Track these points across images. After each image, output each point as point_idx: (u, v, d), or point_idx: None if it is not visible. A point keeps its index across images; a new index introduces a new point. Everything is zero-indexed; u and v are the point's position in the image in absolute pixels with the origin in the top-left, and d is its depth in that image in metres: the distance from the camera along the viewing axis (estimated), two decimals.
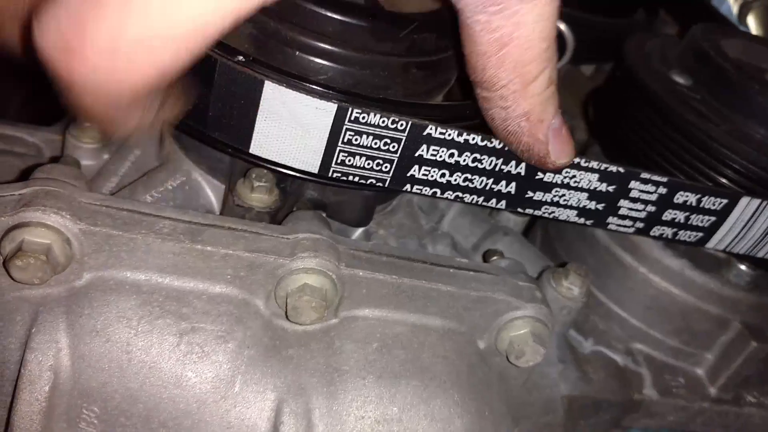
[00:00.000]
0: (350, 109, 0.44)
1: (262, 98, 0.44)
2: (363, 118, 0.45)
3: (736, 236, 0.56)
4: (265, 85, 0.44)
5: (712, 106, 0.62)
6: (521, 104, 0.43)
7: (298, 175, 0.48)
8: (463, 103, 0.50)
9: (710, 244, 0.57)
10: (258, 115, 0.45)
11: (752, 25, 1.05)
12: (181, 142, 0.58)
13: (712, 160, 0.59)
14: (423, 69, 0.53)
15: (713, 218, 0.55)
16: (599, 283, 0.69)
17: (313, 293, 0.44)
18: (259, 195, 0.50)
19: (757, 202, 0.54)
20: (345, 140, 0.46)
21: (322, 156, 0.46)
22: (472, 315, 0.49)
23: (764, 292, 0.65)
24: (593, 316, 0.69)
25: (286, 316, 0.45)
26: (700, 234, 0.56)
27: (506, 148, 0.48)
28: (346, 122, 0.45)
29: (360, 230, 0.60)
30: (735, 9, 1.11)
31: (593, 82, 0.92)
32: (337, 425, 0.44)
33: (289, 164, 0.47)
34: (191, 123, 0.48)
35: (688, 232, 0.55)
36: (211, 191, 0.57)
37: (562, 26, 0.76)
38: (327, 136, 0.45)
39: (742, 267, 0.64)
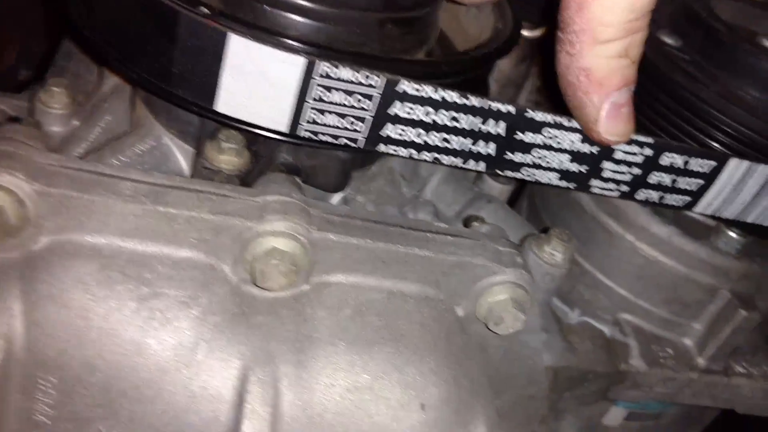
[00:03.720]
0: (319, 63, 0.42)
1: (226, 52, 0.42)
2: (333, 72, 0.43)
3: (725, 200, 0.54)
4: (229, 39, 0.42)
5: (702, 67, 0.60)
6: (585, 57, 0.44)
7: (266, 134, 0.46)
8: (440, 60, 0.48)
9: (698, 208, 0.55)
10: (223, 71, 0.43)
11: None
12: (152, 106, 0.56)
13: (701, 123, 0.57)
14: (400, 25, 0.50)
15: (701, 181, 0.53)
16: (585, 251, 0.67)
17: (281, 257, 0.42)
18: (228, 157, 0.48)
19: (746, 164, 0.52)
20: (315, 97, 0.43)
21: (291, 114, 0.44)
22: (450, 281, 0.48)
23: (754, 260, 0.64)
24: (579, 286, 0.68)
25: (254, 282, 0.43)
26: (688, 198, 0.54)
27: (484, 107, 0.46)
28: (315, 77, 0.43)
29: (337, 197, 0.58)
30: None
31: None
32: (305, 394, 0.42)
33: (257, 123, 0.45)
34: (155, 80, 0.46)
35: (675, 196, 0.53)
36: (181, 156, 0.55)
37: None
38: (296, 92, 0.43)
39: (732, 234, 0.62)
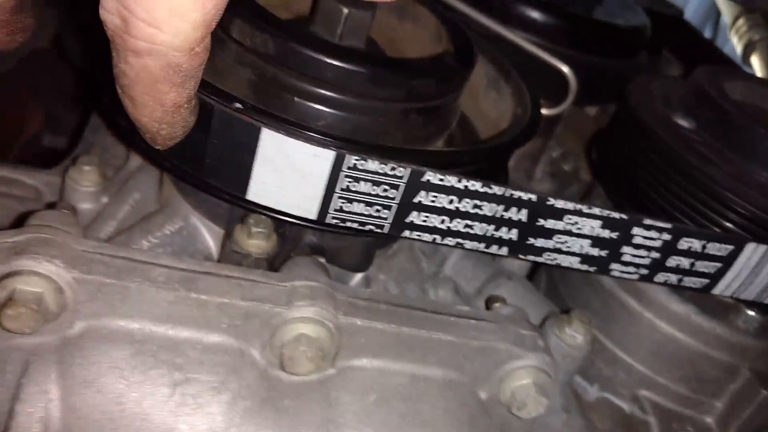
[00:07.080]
0: (348, 156, 0.44)
1: (259, 145, 0.44)
2: (361, 164, 0.44)
3: (742, 283, 0.55)
4: (262, 132, 0.43)
5: (716, 149, 0.61)
6: None
7: (296, 221, 0.47)
8: (462, 149, 0.50)
9: (716, 291, 0.56)
10: (255, 162, 0.45)
11: (756, 64, 1.04)
12: (180, 186, 0.58)
13: (715, 204, 0.58)
14: (423, 114, 0.52)
15: (719, 264, 0.54)
16: (604, 328, 0.67)
17: (309, 343, 0.43)
18: (256, 241, 0.50)
19: (764, 248, 0.53)
20: (343, 187, 0.45)
21: (320, 203, 0.46)
22: (473, 364, 0.48)
23: None
24: (598, 362, 0.68)
25: (282, 367, 0.44)
26: (706, 280, 0.55)
27: (507, 194, 0.47)
28: (344, 169, 0.44)
29: (360, 275, 0.59)
30: (739, 49, 1.12)
31: (597, 123, 0.92)
32: None
33: (286, 211, 0.46)
34: (188, 169, 0.48)
35: (694, 279, 0.54)
36: (209, 236, 0.57)
37: (565, 68, 0.77)
38: (325, 183, 0.45)
39: (751, 313, 0.63)
